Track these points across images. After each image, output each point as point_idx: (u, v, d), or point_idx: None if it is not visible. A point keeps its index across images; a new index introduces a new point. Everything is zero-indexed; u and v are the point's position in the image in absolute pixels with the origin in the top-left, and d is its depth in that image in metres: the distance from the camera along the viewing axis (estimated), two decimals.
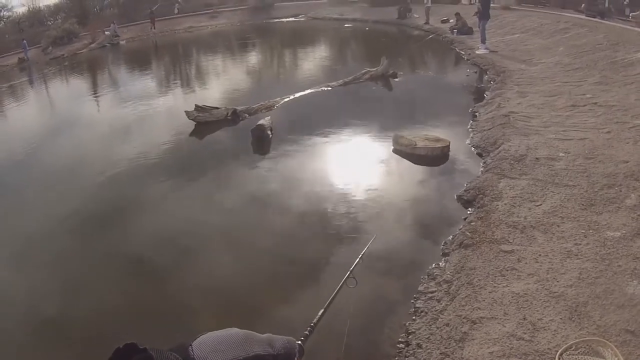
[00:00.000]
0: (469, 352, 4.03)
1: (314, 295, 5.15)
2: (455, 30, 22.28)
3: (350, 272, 2.10)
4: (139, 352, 0.73)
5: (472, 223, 6.19)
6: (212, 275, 6.18)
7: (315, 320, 1.50)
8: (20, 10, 44.43)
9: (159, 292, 5.98)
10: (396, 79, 15.83)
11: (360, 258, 2.37)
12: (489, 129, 9.45)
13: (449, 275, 5.23)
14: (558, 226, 5.65)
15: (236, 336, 0.79)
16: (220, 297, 5.68)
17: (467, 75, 15.61)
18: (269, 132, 10.88)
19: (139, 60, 28.91)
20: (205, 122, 12.41)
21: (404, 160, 8.97)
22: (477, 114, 10.92)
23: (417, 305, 4.95)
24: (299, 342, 1.08)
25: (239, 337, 0.79)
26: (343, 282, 2.02)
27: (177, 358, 0.72)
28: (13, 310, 5.99)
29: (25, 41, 34.18)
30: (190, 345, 0.77)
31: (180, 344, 0.76)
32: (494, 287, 4.80)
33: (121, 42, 37.30)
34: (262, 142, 10.62)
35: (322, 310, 1.64)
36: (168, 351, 0.73)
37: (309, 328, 1.43)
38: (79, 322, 5.42)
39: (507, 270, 5.01)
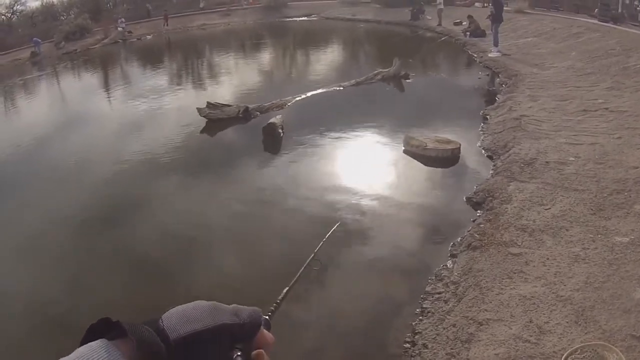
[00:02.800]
0: (475, 353, 4.06)
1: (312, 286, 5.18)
2: (468, 33, 22.19)
3: (314, 254, 2.18)
4: (113, 326, 0.76)
5: (481, 225, 6.20)
6: (218, 271, 6.24)
7: (280, 298, 1.58)
8: (34, 4, 44.81)
9: (164, 286, 6.03)
10: (408, 80, 15.79)
11: (323, 242, 2.46)
12: (500, 132, 9.44)
13: (456, 277, 5.25)
14: (567, 230, 5.66)
15: (204, 307, 0.83)
16: (226, 293, 5.71)
17: (479, 78, 15.57)
18: (280, 131, 10.91)
19: (151, 57, 29.03)
20: (216, 119, 12.46)
21: (414, 161, 8.98)
22: (488, 116, 10.89)
23: (424, 306, 4.98)
24: (266, 317, 1.13)
25: (207, 308, 0.83)
26: (307, 264, 2.11)
27: (149, 330, 0.76)
28: (18, 302, 6.06)
29: (35, 38, 34.40)
30: (160, 318, 0.80)
31: (151, 318, 0.80)
32: (501, 289, 4.82)
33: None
34: (273, 141, 10.65)
35: (287, 288, 1.74)
36: (140, 324, 0.77)
37: (275, 304, 1.51)
38: (84, 316, 5.44)
39: (515, 273, 5.03)
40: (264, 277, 5.83)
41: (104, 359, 0.71)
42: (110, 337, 0.74)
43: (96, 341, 0.74)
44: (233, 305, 0.89)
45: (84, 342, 0.75)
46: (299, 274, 1.95)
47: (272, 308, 1.54)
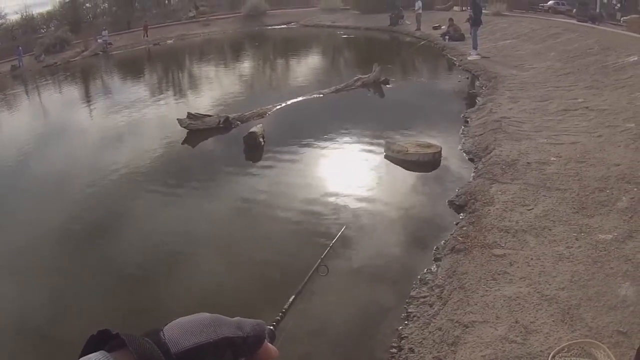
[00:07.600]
0: (462, 356, 4.02)
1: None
2: (447, 37, 22.30)
3: (321, 260, 2.12)
4: (112, 337, 0.73)
5: (464, 228, 6.18)
6: (203, 281, 6.16)
7: (286, 306, 1.52)
8: (13, 18, 44.57)
9: (149, 300, 5.94)
10: (388, 86, 15.82)
11: (330, 247, 2.40)
12: (481, 135, 9.45)
13: (441, 280, 5.22)
14: (550, 230, 5.66)
15: (205, 320, 0.81)
16: (212, 303, 5.64)
17: (459, 81, 15.63)
18: (261, 140, 10.83)
19: (131, 69, 28.87)
20: (197, 130, 12.35)
21: (396, 166, 8.95)
22: (468, 119, 10.91)
23: (409, 310, 4.93)
24: (271, 327, 1.09)
25: (208, 321, 0.81)
26: (314, 270, 2.03)
27: (149, 343, 0.73)
28: (3, 316, 5.95)
29: (20, 48, 34.15)
30: (162, 330, 0.77)
31: (152, 329, 0.77)
32: (486, 291, 4.79)
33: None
34: (254, 150, 10.58)
35: (294, 296, 1.66)
36: (140, 336, 0.74)
37: (280, 314, 1.45)
38: (69, 332, 5.36)
39: (499, 274, 5.01)
40: (259, 286, 5.79)
41: None
42: (110, 349, 0.72)
43: (95, 353, 0.72)
44: (237, 318, 0.87)
45: (83, 353, 0.74)
46: (305, 280, 1.89)
47: (278, 317, 1.48)
